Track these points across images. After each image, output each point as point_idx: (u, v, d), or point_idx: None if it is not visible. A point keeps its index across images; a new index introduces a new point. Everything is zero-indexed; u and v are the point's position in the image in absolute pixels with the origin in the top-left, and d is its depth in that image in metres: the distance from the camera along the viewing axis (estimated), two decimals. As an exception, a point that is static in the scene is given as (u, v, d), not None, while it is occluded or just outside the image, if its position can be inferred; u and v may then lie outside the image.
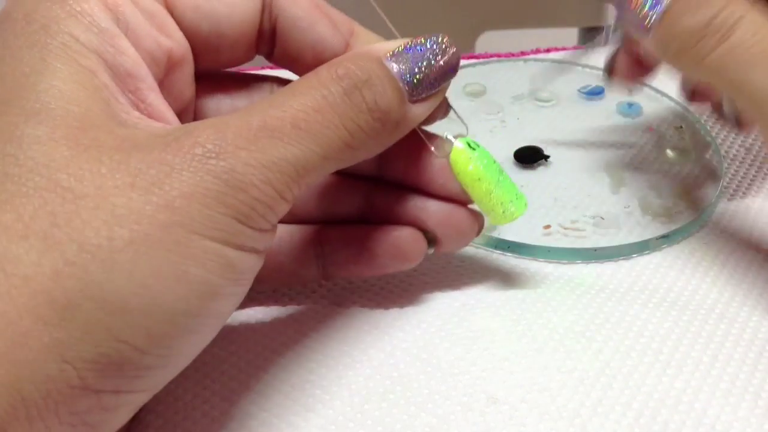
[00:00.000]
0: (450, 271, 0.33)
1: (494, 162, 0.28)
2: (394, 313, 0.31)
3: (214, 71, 0.28)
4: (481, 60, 0.49)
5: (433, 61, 0.25)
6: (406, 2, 0.83)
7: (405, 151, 0.28)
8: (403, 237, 0.29)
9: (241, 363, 0.28)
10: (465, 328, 0.30)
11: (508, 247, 0.34)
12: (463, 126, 0.28)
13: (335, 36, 0.26)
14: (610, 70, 0.35)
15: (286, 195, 0.22)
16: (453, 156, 0.28)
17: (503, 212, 0.29)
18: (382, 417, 0.26)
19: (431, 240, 0.29)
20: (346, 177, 0.30)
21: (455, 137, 0.28)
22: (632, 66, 0.34)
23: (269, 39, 0.27)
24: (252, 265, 0.22)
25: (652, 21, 0.29)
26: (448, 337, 0.29)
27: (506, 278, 0.32)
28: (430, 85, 0.25)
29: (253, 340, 0.29)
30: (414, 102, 0.25)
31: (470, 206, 0.29)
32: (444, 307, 0.31)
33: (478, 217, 0.29)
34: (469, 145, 0.28)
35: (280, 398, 0.27)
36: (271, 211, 0.22)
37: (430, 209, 0.29)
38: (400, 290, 0.32)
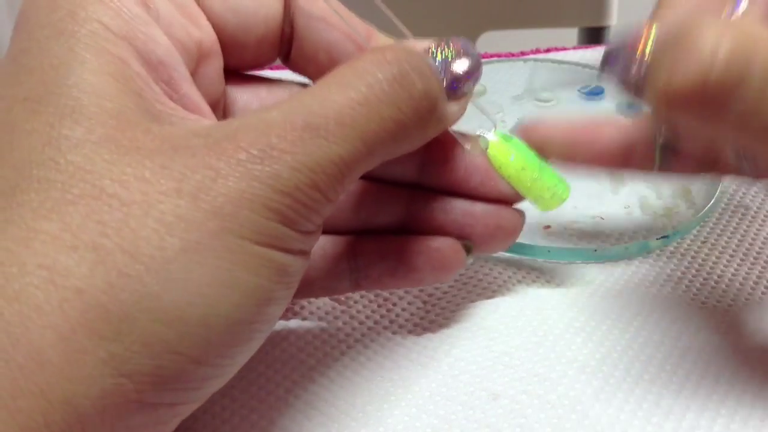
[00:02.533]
0: (450, 270, 0.33)
1: (530, 150, 0.28)
2: (394, 314, 0.31)
3: (241, 70, 0.27)
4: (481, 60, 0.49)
5: (464, 62, 0.25)
6: (407, 2, 0.83)
7: (446, 155, 0.28)
8: (444, 248, 0.28)
9: (243, 361, 0.28)
10: (465, 329, 0.30)
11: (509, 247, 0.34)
12: (490, 122, 0.28)
13: (351, 41, 0.26)
14: (667, 170, 0.28)
15: (331, 196, 0.21)
16: (491, 151, 0.28)
17: (551, 196, 0.28)
18: (383, 418, 0.26)
19: (469, 249, 0.28)
20: (384, 185, 0.29)
21: (487, 132, 0.28)
22: (695, 164, 0.27)
23: (288, 40, 0.26)
24: (300, 267, 0.22)
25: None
26: (447, 339, 0.29)
27: (506, 278, 0.33)
28: (464, 84, 0.25)
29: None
30: (450, 100, 0.24)
31: (514, 205, 0.29)
32: (443, 308, 0.31)
33: (522, 215, 0.29)
34: (503, 136, 0.28)
35: (281, 394, 0.27)
36: (316, 213, 0.21)
37: (476, 213, 0.28)
38: (401, 291, 0.32)
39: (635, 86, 0.22)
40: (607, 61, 0.24)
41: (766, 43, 0.20)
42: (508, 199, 0.28)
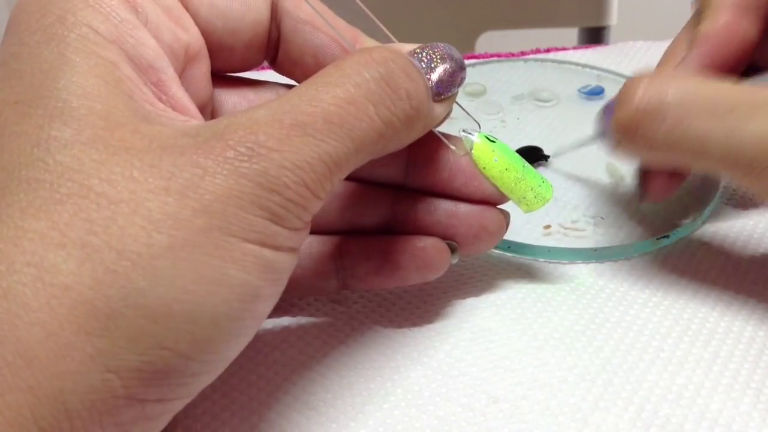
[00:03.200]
0: (449, 271, 0.32)
1: (513, 151, 0.29)
2: (393, 314, 0.31)
3: (228, 73, 0.28)
4: (481, 60, 0.49)
5: (448, 65, 0.25)
6: (407, 2, 0.83)
7: (431, 156, 0.28)
8: (428, 248, 0.28)
9: (242, 360, 0.28)
10: (465, 330, 0.30)
11: (509, 247, 0.34)
12: (474, 123, 0.29)
13: (337, 44, 0.26)
14: (642, 195, 0.34)
15: (319, 194, 0.21)
16: (476, 152, 0.28)
17: (535, 197, 0.29)
18: (383, 418, 0.26)
19: (454, 249, 0.29)
20: (370, 186, 0.29)
21: (471, 133, 0.28)
22: (666, 181, 0.33)
23: (275, 43, 0.27)
24: (289, 264, 0.22)
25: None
26: (448, 340, 0.29)
27: (506, 278, 0.32)
28: (448, 87, 0.25)
29: (255, 337, 0.29)
30: (435, 101, 0.25)
31: (499, 207, 0.29)
32: (443, 308, 0.31)
33: (506, 216, 0.29)
34: (487, 138, 0.28)
35: (281, 395, 0.27)
36: (305, 210, 0.21)
37: (460, 213, 0.28)
38: (400, 291, 0.32)
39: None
40: (602, 114, 0.31)
41: (676, 81, 0.28)
42: (492, 200, 0.29)
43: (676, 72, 0.29)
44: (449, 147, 0.28)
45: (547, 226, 0.35)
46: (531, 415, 0.26)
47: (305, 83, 0.22)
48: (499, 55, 0.50)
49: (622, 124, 0.28)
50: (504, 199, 0.29)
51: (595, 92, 0.44)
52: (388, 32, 0.27)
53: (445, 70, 0.25)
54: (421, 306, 0.31)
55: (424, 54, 0.25)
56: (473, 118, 0.29)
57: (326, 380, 0.28)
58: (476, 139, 0.28)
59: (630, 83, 0.28)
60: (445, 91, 0.25)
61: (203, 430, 0.26)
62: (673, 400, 0.27)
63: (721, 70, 0.32)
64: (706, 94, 0.27)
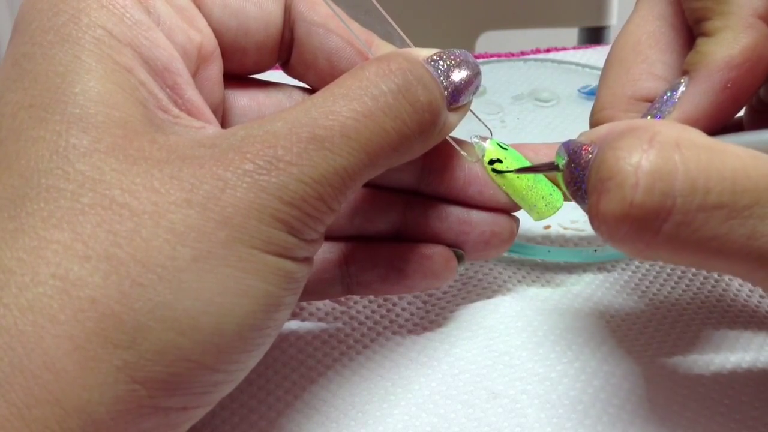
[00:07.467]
0: (450, 270, 0.33)
1: (524, 159, 0.29)
2: (393, 314, 0.31)
3: (240, 75, 0.27)
4: (481, 60, 0.49)
5: (464, 73, 0.25)
6: (407, 2, 0.83)
7: (445, 163, 0.28)
8: (435, 256, 0.28)
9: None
10: (464, 328, 0.30)
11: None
12: (486, 130, 0.28)
13: (351, 47, 0.26)
14: None
15: (334, 206, 0.22)
16: (487, 158, 0.28)
17: (545, 205, 0.29)
18: (383, 417, 0.26)
19: (461, 257, 0.28)
20: (381, 191, 0.29)
21: (483, 140, 0.28)
22: None
23: (288, 46, 0.27)
24: (305, 273, 0.22)
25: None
26: (447, 339, 0.29)
27: (506, 278, 0.33)
28: (464, 95, 0.25)
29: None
30: (450, 110, 0.25)
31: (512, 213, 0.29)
32: (443, 308, 0.31)
33: (517, 222, 0.29)
34: (499, 145, 0.28)
35: (281, 394, 0.27)
36: (320, 223, 0.21)
37: (472, 220, 0.28)
38: (401, 290, 0.32)
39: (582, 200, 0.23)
40: (563, 150, 0.24)
41: (683, 155, 0.20)
42: (505, 208, 0.29)
43: (673, 123, 0.22)
44: (462, 153, 0.28)
45: (547, 227, 0.35)
46: (531, 409, 0.26)
47: (322, 93, 0.22)
48: (499, 55, 0.50)
49: (607, 218, 0.21)
50: (517, 207, 0.29)
51: (595, 92, 0.44)
52: (404, 35, 0.27)
53: (461, 78, 0.25)
54: (421, 306, 0.31)
55: (440, 62, 0.24)
56: (485, 125, 0.28)
57: (326, 379, 0.28)
58: (488, 145, 0.28)
59: (617, 149, 0.20)
60: (460, 99, 0.25)
61: (203, 428, 0.26)
62: (675, 391, 0.27)
63: (735, 106, 0.26)
64: (722, 178, 0.20)
